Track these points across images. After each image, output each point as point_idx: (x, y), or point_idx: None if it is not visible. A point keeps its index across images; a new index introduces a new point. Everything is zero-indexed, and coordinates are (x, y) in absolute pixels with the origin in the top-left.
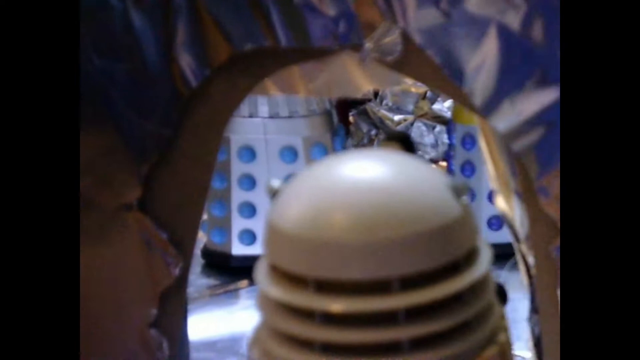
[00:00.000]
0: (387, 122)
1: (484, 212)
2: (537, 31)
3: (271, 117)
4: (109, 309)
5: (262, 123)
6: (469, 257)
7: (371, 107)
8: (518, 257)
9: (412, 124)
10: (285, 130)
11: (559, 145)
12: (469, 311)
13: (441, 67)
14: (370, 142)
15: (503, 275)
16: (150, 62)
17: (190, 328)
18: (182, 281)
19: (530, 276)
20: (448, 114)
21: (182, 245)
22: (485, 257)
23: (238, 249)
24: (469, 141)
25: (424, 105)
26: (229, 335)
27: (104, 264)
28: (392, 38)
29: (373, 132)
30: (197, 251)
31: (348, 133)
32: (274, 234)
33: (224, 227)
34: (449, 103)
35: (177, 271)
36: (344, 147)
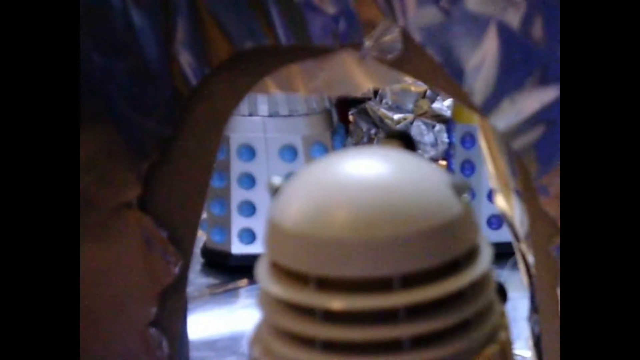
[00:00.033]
0: (387, 121)
1: (483, 211)
2: (537, 30)
3: (271, 115)
4: (108, 307)
5: (261, 122)
6: (470, 255)
7: (371, 105)
8: (518, 256)
9: (411, 123)
10: (285, 129)
11: (559, 144)
12: (470, 309)
13: (441, 66)
14: (370, 141)
15: (503, 275)
16: (150, 61)
17: (190, 327)
18: (181, 280)
19: (530, 275)
20: (448, 113)
21: (182, 244)
22: (485, 255)
23: (238, 247)
24: (469, 140)
25: (424, 104)
26: (229, 334)
27: (104, 263)
28: (392, 36)
29: (373, 131)
30: (197, 250)
31: (348, 132)
32: (275, 232)
33: (223, 226)
34: (448, 102)
35: (176, 270)
36: (344, 146)
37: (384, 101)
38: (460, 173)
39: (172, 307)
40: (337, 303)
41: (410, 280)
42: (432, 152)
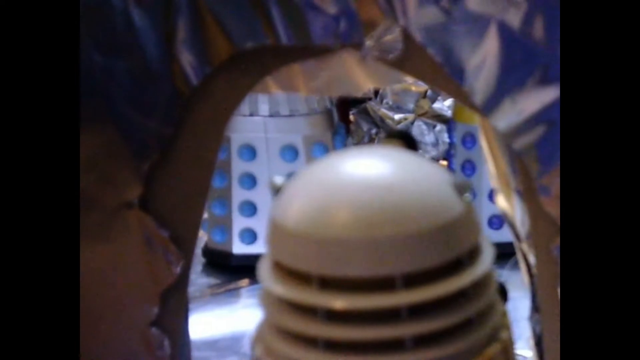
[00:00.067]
0: (388, 121)
1: (484, 211)
2: (538, 29)
3: (272, 115)
4: (109, 307)
5: (262, 122)
6: (472, 255)
7: (372, 105)
8: (519, 256)
9: (412, 123)
10: (285, 129)
11: (559, 144)
12: (472, 309)
13: (442, 66)
14: (370, 141)
15: (504, 274)
16: (151, 60)
17: (191, 327)
18: (183, 280)
19: (531, 275)
20: (448, 113)
21: (183, 244)
22: (487, 254)
23: (239, 247)
24: (470, 140)
25: (425, 104)
26: (230, 334)
27: (105, 263)
28: (393, 36)
29: (373, 130)
30: (198, 250)
31: (348, 132)
32: (277, 231)
33: (224, 226)
34: (449, 102)
35: (178, 270)
36: (345, 146)
37: (384, 101)
38: (461, 173)
39: (174, 307)
40: (339, 302)
41: (413, 280)
42: (433, 152)
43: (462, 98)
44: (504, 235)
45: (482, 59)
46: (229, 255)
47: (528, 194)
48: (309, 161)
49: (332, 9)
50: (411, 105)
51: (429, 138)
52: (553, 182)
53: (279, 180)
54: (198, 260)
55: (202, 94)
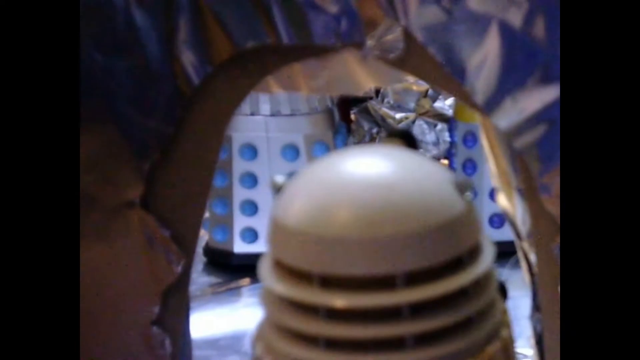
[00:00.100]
0: (389, 120)
1: (485, 209)
2: (539, 28)
3: (273, 115)
4: (110, 306)
5: (263, 121)
6: (473, 253)
7: (372, 105)
8: (520, 254)
9: (413, 122)
10: (286, 128)
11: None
12: (473, 307)
13: (443, 65)
14: (372, 140)
15: (505, 273)
16: (152, 60)
17: (192, 326)
18: (184, 279)
19: (532, 274)
20: (449, 112)
21: (184, 243)
22: (488, 253)
23: (240, 246)
24: (471, 139)
25: (426, 103)
26: (231, 333)
27: (106, 262)
28: (394, 35)
29: (374, 130)
30: (199, 249)
31: (350, 131)
32: (278, 230)
33: (225, 225)
34: (450, 101)
35: (179, 269)
36: (346, 145)
37: (385, 100)
38: (462, 172)
39: (175, 306)
40: (340, 301)
41: (414, 278)
42: (434, 151)
43: (463, 97)
44: (505, 234)
45: (483, 58)
46: (230, 254)
47: (529, 192)
48: (310, 160)
49: (333, 8)
50: (412, 105)
51: (430, 137)
52: (554, 181)
53: (279, 179)
54: (199, 259)
55: (203, 93)
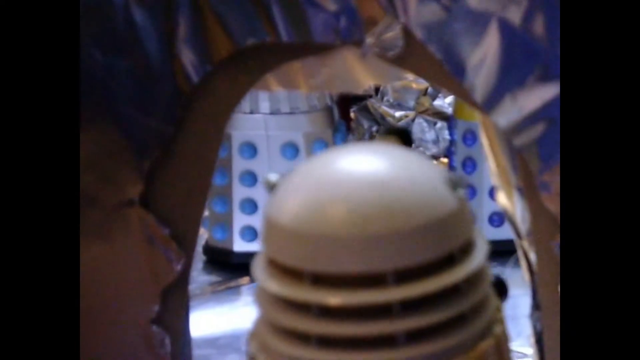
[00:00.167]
0: (388, 118)
1: (485, 208)
2: (539, 26)
3: (272, 113)
4: (110, 305)
5: (263, 119)
6: (465, 250)
7: (372, 103)
8: (520, 253)
9: (413, 120)
10: (286, 126)
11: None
12: (465, 303)
13: (442, 63)
14: (371, 138)
15: (505, 272)
16: (152, 58)
17: (192, 324)
18: (184, 277)
19: (532, 272)
20: (449, 110)
21: (184, 242)
22: (481, 249)
23: (239, 245)
24: (470, 137)
25: (425, 101)
26: (231, 331)
27: (106, 260)
28: (393, 33)
29: (374, 128)
30: (199, 248)
31: (349, 129)
32: (271, 228)
33: (225, 223)
34: (450, 99)
35: (179, 267)
36: (345, 143)
37: (385, 98)
38: (461, 170)
39: (174, 305)
40: (332, 299)
41: (405, 275)
42: (434, 150)
43: (463, 95)
44: (505, 232)
45: (483, 56)
46: (229, 252)
47: (529, 191)
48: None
49: (332, 6)
50: (412, 103)
51: (429, 135)
52: (553, 179)
53: (273, 177)
54: (199, 258)
55: (203, 91)
